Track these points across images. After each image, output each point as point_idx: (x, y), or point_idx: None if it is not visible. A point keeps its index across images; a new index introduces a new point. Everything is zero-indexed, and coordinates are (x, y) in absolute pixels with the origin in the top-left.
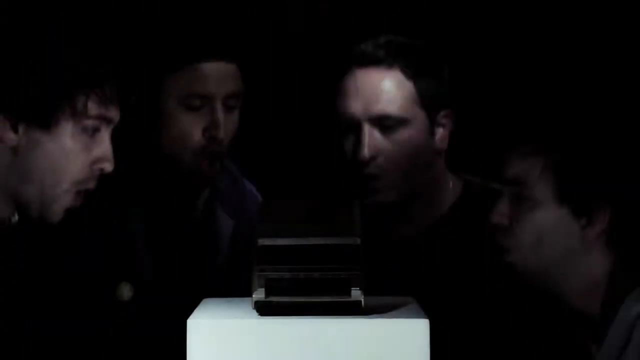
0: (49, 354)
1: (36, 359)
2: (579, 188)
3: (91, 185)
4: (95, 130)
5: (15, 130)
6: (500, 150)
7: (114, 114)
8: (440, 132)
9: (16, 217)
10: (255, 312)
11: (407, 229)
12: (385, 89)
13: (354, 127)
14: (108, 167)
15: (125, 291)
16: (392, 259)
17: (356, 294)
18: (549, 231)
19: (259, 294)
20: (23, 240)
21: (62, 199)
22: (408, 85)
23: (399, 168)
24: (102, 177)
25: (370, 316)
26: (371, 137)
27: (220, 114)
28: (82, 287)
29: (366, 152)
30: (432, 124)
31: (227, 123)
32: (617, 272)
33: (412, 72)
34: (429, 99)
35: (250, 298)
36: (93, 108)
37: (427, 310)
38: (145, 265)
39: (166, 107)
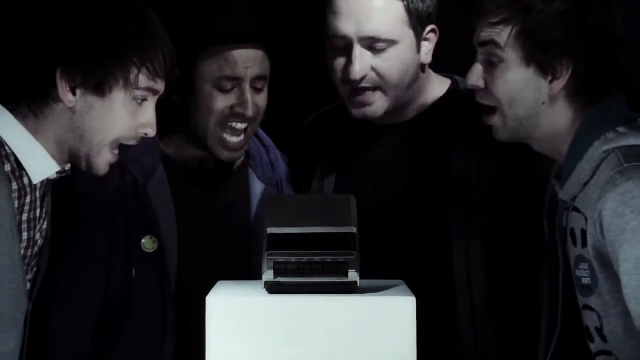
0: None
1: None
2: (542, 48)
3: (132, 142)
4: (143, 100)
5: (74, 94)
6: (472, 20)
7: (160, 86)
8: (425, 46)
9: (69, 167)
10: (265, 291)
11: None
12: (376, 8)
13: (346, 46)
14: (151, 132)
15: (150, 243)
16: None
17: (352, 275)
18: (520, 89)
19: (269, 275)
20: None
21: (104, 154)
22: (398, 5)
23: (389, 84)
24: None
25: (365, 294)
26: (362, 57)
27: (248, 94)
28: (115, 237)
29: (357, 71)
30: (419, 41)
31: (254, 102)
32: (584, 119)
33: None
34: (417, 18)
35: (258, 281)
36: (143, 80)
37: (415, 290)
38: (171, 222)
39: (201, 89)
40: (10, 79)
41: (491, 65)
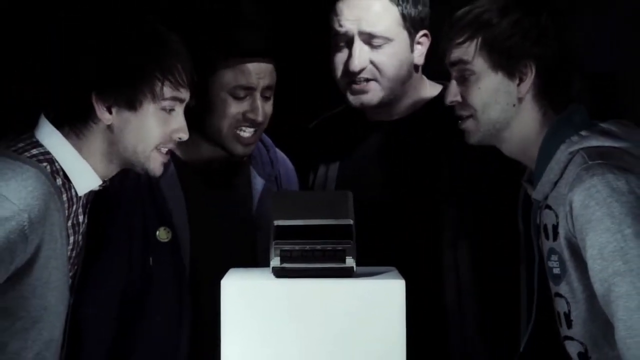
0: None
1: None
2: (505, 55)
3: (171, 146)
4: (171, 110)
5: (110, 112)
6: (442, 45)
7: (185, 95)
8: (418, 49)
9: (108, 179)
10: (272, 276)
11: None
12: (374, 11)
13: (347, 42)
14: (184, 136)
15: (164, 234)
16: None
17: (349, 261)
18: (492, 94)
19: (276, 262)
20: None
21: (155, 157)
22: (394, 10)
23: (385, 76)
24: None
25: (360, 278)
26: (361, 51)
27: (259, 102)
28: (133, 230)
29: (357, 63)
30: (413, 42)
31: (263, 109)
32: (550, 126)
33: None
34: (410, 21)
35: (266, 268)
36: (168, 91)
37: (405, 276)
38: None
39: (217, 96)
40: (51, 106)
41: (465, 79)
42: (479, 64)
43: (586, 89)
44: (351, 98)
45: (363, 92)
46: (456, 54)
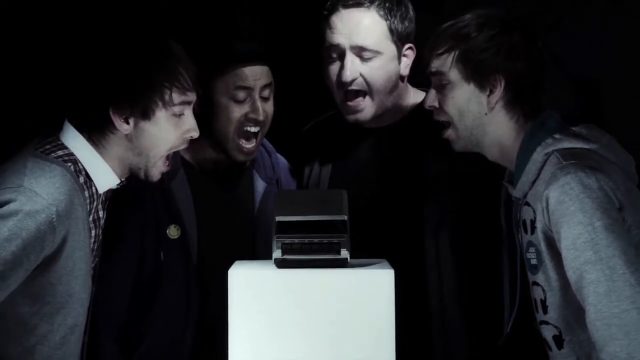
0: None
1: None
2: (477, 67)
3: (183, 146)
4: (181, 114)
5: (127, 123)
6: (426, 56)
7: (192, 97)
8: (404, 61)
9: (125, 178)
10: (274, 266)
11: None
12: (364, 25)
13: (339, 54)
14: (195, 134)
15: (174, 231)
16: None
17: (344, 253)
18: (465, 103)
19: (278, 254)
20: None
21: (159, 165)
22: (383, 24)
23: (374, 88)
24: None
25: (354, 268)
26: (353, 63)
27: (258, 102)
28: (146, 227)
29: (348, 74)
30: (399, 55)
31: (264, 109)
32: (527, 131)
33: (385, 13)
34: (397, 35)
35: (268, 260)
36: (176, 97)
37: (395, 266)
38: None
39: (219, 102)
40: (72, 117)
41: (442, 88)
42: (454, 75)
43: (570, 94)
44: (348, 117)
45: (357, 110)
46: (435, 64)
